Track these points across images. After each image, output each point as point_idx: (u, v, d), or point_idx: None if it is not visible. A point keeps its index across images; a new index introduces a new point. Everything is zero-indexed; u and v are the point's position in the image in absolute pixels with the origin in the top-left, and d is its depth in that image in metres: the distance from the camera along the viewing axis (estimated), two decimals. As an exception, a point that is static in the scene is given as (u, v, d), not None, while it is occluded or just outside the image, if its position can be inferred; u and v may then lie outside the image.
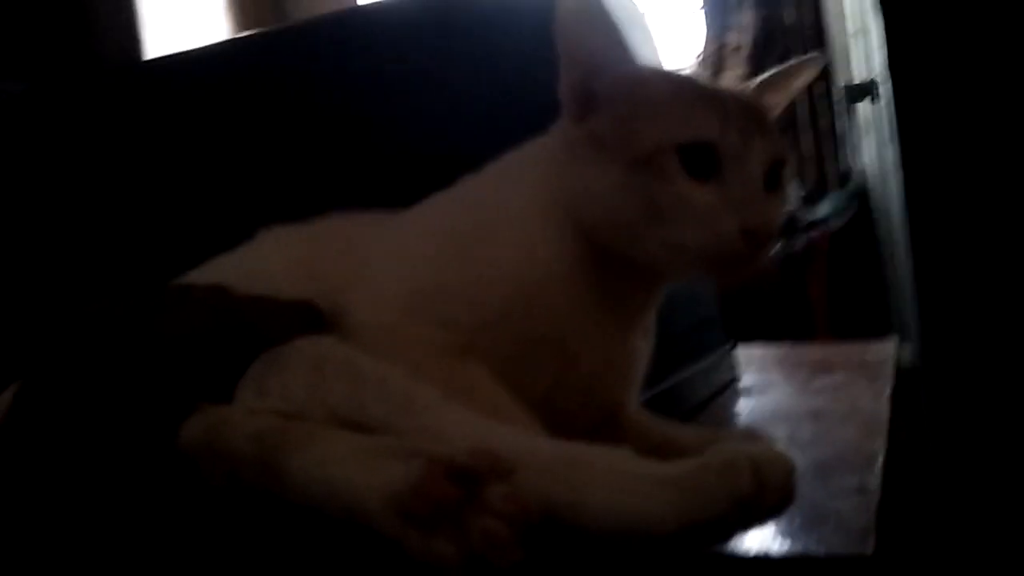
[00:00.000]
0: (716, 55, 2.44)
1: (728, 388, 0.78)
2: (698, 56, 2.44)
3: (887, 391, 0.69)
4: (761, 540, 0.40)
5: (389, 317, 0.46)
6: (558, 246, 0.47)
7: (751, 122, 0.45)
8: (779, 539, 0.40)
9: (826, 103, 2.30)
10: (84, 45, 1.10)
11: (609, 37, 0.46)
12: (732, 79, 2.43)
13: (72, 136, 0.81)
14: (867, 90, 1.73)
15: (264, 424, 0.38)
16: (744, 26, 2.40)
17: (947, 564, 0.96)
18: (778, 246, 0.46)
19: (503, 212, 0.50)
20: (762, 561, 0.39)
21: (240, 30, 2.03)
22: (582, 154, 0.47)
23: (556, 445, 0.37)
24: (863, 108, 1.91)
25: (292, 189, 0.71)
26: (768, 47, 2.37)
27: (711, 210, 0.43)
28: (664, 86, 0.47)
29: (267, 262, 0.54)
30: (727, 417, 0.67)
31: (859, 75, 2.02)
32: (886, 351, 0.89)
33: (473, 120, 0.64)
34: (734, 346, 0.84)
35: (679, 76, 0.49)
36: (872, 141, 1.82)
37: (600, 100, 0.46)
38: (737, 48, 2.41)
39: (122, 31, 1.28)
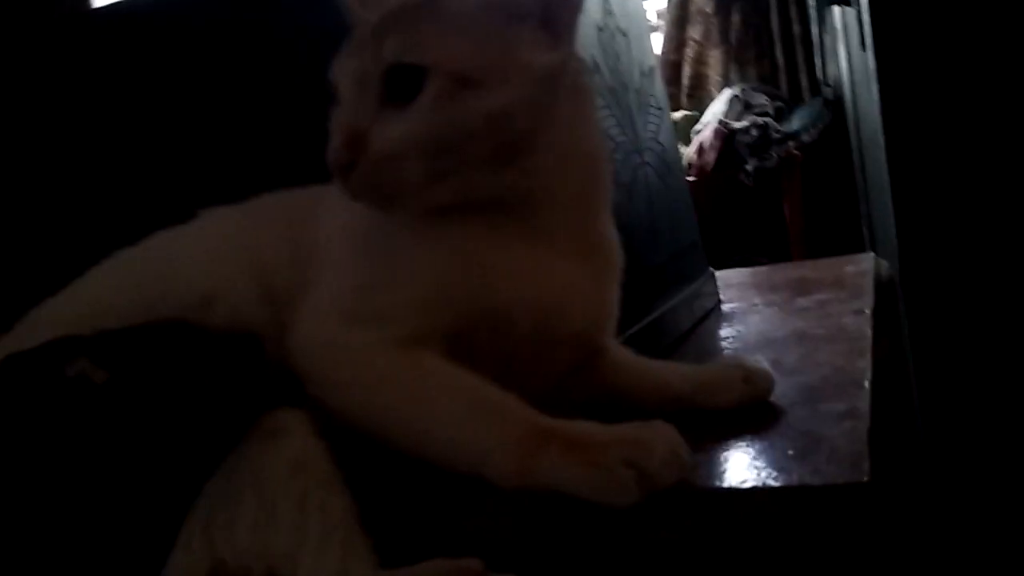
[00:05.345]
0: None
1: (711, 315, 0.77)
2: None
3: (868, 308, 0.69)
4: (756, 472, 0.40)
5: (328, 333, 0.44)
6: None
7: (382, 27, 0.42)
8: (773, 471, 0.40)
9: (797, 9, 2.24)
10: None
11: None
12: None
13: (19, 88, 0.75)
14: (840, -7, 1.67)
15: None
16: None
17: (940, 482, 0.99)
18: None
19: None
20: (759, 493, 0.39)
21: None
22: None
23: None
24: (837, 13, 1.85)
25: (248, 147, 0.66)
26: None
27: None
28: None
29: (206, 248, 0.52)
30: (713, 345, 0.67)
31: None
32: (864, 266, 0.89)
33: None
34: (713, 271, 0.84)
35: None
36: (844, 49, 1.78)
37: None
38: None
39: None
